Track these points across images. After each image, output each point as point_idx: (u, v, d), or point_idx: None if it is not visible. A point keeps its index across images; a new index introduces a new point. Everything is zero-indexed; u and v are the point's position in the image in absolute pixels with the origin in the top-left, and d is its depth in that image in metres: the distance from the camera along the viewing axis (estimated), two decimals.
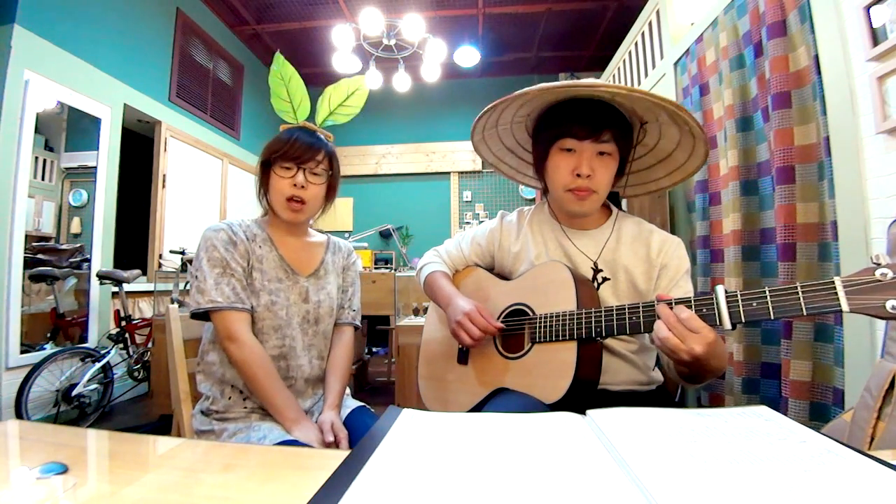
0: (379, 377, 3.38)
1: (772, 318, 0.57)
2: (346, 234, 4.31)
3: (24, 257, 2.28)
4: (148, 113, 3.14)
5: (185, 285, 2.82)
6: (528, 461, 0.36)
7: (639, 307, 0.70)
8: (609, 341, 0.86)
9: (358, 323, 1.05)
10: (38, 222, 2.68)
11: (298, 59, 4.63)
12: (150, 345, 2.62)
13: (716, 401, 1.77)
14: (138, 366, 2.62)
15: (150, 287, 2.99)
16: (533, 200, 4.59)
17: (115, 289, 2.62)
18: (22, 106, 2.25)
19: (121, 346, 2.56)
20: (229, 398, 0.87)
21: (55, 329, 2.55)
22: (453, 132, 5.00)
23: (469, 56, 3.83)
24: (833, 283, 0.52)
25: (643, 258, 0.87)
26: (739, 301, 0.59)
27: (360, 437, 0.81)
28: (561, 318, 0.77)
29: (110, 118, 2.81)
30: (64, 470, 0.38)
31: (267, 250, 0.92)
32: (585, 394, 0.74)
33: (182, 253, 2.93)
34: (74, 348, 2.44)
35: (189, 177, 3.55)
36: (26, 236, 2.30)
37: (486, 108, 0.88)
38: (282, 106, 1.03)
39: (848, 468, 0.32)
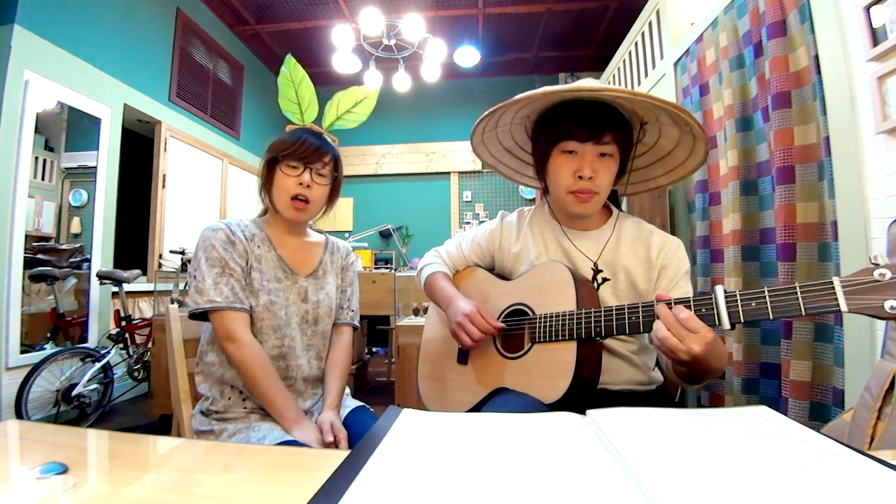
0: (379, 377, 3.38)
1: (771, 318, 0.57)
2: (346, 234, 4.31)
3: (24, 257, 2.28)
4: (148, 113, 3.14)
5: (185, 285, 2.81)
6: (528, 461, 0.36)
7: (638, 307, 0.70)
8: (609, 341, 0.86)
9: (357, 323, 1.05)
10: (38, 222, 2.68)
11: (299, 59, 4.53)
12: (150, 345, 2.62)
13: (716, 401, 1.77)
14: (138, 366, 2.62)
15: (150, 287, 2.99)
16: (533, 201, 4.59)
17: (115, 289, 2.62)
18: (22, 106, 2.25)
19: (121, 346, 2.56)
20: (229, 398, 0.87)
21: (55, 329, 2.55)
22: (453, 132, 4.99)
23: (469, 56, 3.83)
24: (832, 283, 0.52)
25: (643, 259, 0.87)
26: (738, 301, 0.59)
27: (359, 437, 0.81)
28: (561, 318, 0.77)
29: (110, 118, 2.81)
30: (64, 470, 0.38)
31: (265, 250, 0.92)
32: (585, 394, 0.74)
33: (182, 253, 2.93)
34: (74, 348, 2.44)
35: (189, 177, 3.55)
36: (26, 236, 2.30)
37: (486, 112, 0.88)
38: (289, 107, 1.03)
39: (848, 468, 0.32)
